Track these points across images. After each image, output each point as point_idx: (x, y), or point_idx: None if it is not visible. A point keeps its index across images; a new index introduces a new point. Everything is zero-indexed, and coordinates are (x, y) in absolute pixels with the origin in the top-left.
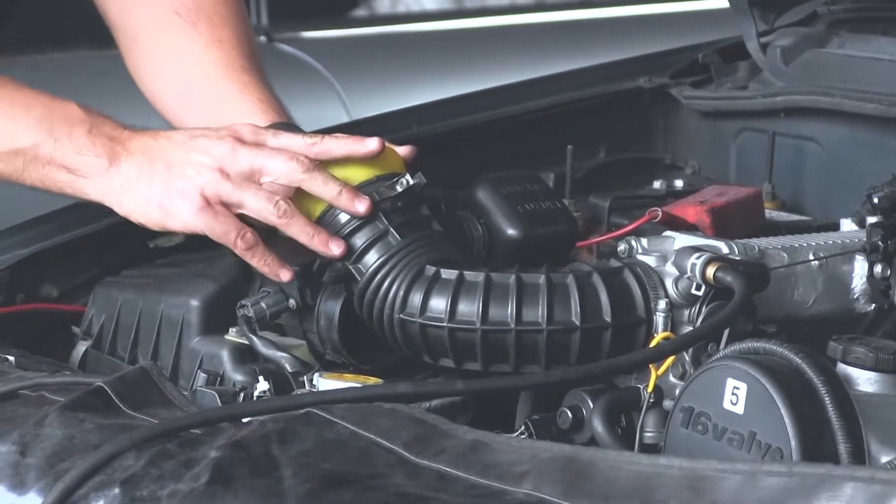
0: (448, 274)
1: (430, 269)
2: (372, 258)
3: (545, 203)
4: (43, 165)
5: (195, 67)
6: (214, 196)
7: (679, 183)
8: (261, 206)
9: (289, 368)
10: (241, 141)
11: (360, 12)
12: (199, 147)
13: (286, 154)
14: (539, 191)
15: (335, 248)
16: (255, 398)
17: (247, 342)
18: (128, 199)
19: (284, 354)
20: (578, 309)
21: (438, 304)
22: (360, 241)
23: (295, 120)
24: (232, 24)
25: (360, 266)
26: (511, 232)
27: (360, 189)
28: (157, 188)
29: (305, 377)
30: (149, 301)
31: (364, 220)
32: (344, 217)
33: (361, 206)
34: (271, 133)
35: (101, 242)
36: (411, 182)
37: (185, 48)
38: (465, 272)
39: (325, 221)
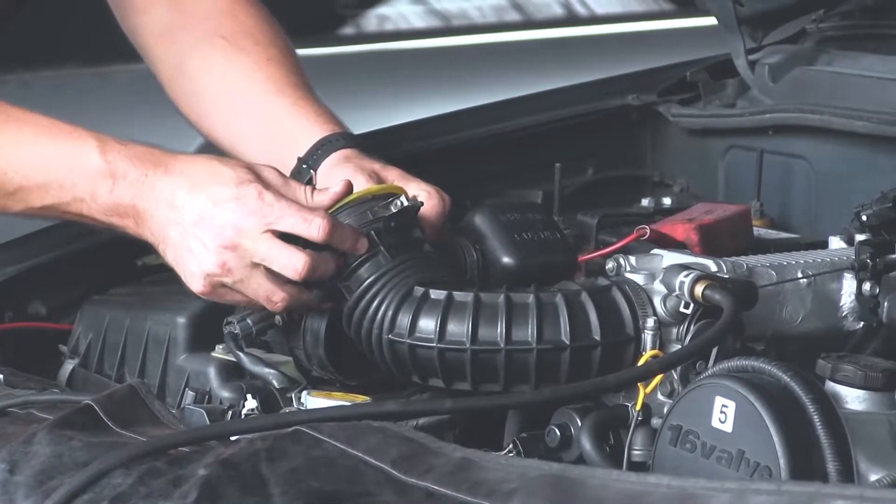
0: (437, 294)
1: (419, 290)
2: (362, 277)
3: (544, 233)
4: (74, 217)
5: (247, 85)
6: (217, 283)
7: (667, 200)
8: (259, 297)
9: (276, 385)
10: (241, 231)
11: (348, 30)
12: (203, 237)
13: (287, 251)
14: (539, 220)
15: None
16: (243, 416)
17: (233, 359)
18: (159, 251)
19: (272, 371)
20: (568, 328)
21: (427, 324)
22: (351, 259)
23: (350, 129)
24: (277, 44)
25: (349, 284)
26: (506, 260)
27: (355, 206)
28: (170, 256)
29: (294, 395)
30: (135, 319)
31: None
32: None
33: None
34: (278, 209)
35: (89, 260)
36: (406, 203)
37: (235, 69)
38: (455, 293)
39: None
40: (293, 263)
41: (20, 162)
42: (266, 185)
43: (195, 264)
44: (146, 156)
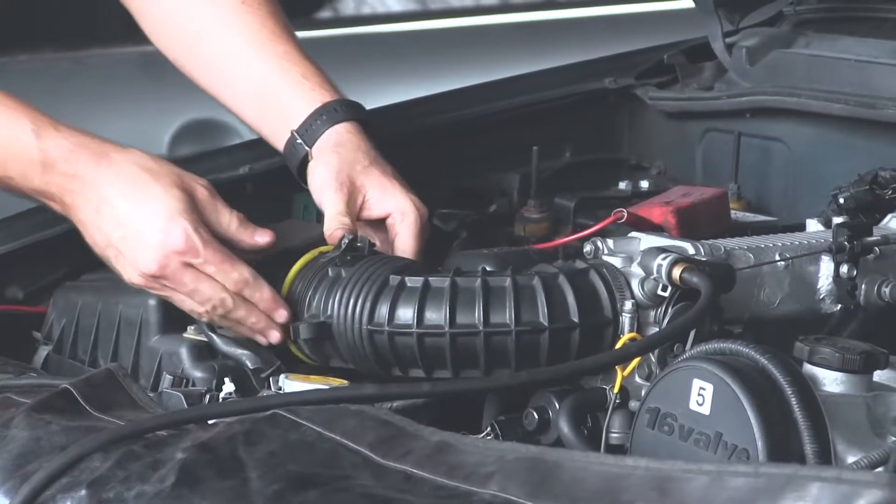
0: (413, 282)
1: (395, 279)
2: (334, 299)
3: (513, 247)
4: (4, 188)
5: (224, 35)
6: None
7: (645, 184)
8: (198, 308)
9: (249, 365)
10: (164, 267)
11: (325, 14)
12: (128, 257)
13: (210, 287)
14: (507, 248)
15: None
16: (221, 400)
17: (205, 339)
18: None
19: (244, 351)
20: (546, 310)
21: (405, 312)
22: (321, 296)
23: (337, 86)
24: None
25: (330, 315)
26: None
27: (307, 266)
28: (96, 249)
29: (271, 378)
30: (107, 303)
31: (318, 280)
32: (300, 287)
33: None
34: (202, 255)
35: (67, 244)
36: (350, 237)
37: (209, 14)
38: (431, 278)
39: (290, 297)
40: (213, 300)
41: None
42: (195, 221)
43: (121, 269)
44: (79, 151)
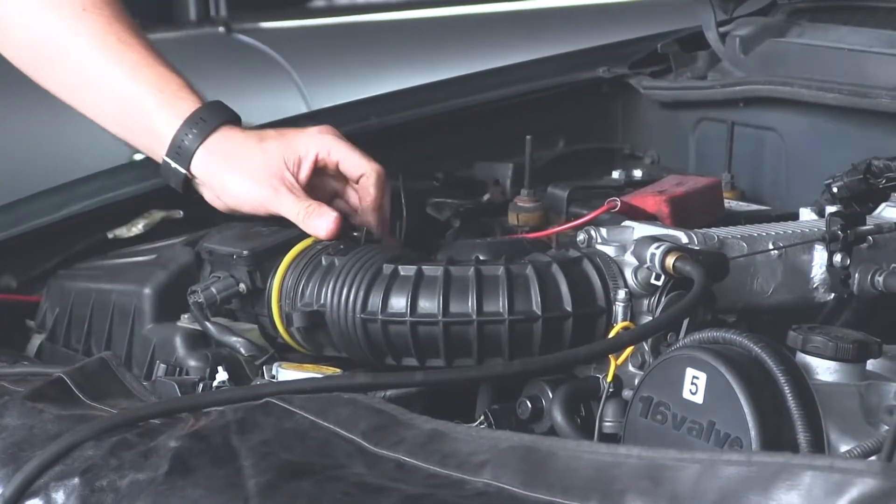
0: (406, 270)
1: (389, 267)
2: (327, 288)
3: (506, 237)
4: None
5: (73, 43)
6: None
7: (638, 173)
8: None
9: (243, 353)
10: None
11: (319, 3)
12: None
13: None
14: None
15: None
16: (214, 388)
17: (199, 328)
18: None
19: (238, 339)
20: (539, 299)
21: (399, 300)
22: (314, 285)
23: (197, 87)
24: None
25: (323, 304)
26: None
27: (302, 255)
28: None
29: (264, 367)
30: (101, 291)
31: (312, 269)
32: (293, 276)
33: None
34: None
35: (61, 233)
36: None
37: (51, 16)
38: (424, 267)
39: (283, 286)
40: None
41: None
42: None
43: None
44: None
